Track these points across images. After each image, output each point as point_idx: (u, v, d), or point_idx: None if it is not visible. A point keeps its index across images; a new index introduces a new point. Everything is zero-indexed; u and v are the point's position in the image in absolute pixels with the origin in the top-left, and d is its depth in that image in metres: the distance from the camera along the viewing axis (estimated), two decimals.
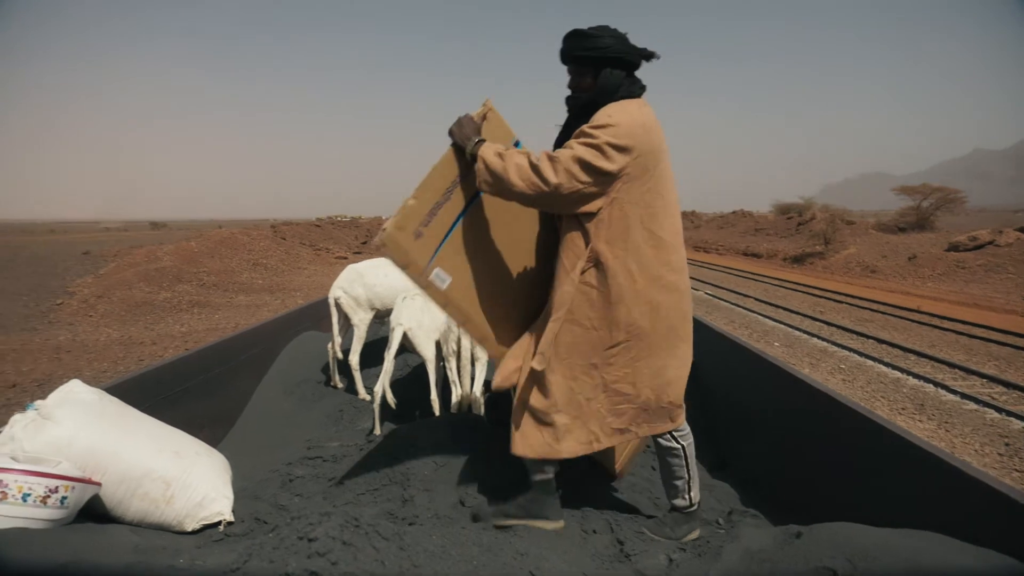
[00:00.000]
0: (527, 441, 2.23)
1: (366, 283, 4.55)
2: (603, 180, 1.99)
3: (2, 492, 1.89)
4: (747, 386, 2.57)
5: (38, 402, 2.26)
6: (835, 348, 9.89)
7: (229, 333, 4.46)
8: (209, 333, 10.61)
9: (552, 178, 1.96)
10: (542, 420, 2.21)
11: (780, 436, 2.94)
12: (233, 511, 2.46)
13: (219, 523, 2.40)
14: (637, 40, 2.10)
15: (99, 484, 2.20)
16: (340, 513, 1.88)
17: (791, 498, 2.64)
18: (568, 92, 2.22)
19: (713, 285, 18.50)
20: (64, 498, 2.01)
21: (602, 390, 2.17)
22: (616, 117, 2.00)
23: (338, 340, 4.59)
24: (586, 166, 1.96)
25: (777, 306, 14.23)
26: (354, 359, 4.46)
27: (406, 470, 2.63)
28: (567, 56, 2.16)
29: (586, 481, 2.68)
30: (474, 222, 2.26)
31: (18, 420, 2.17)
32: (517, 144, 2.34)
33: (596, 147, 1.96)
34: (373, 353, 4.93)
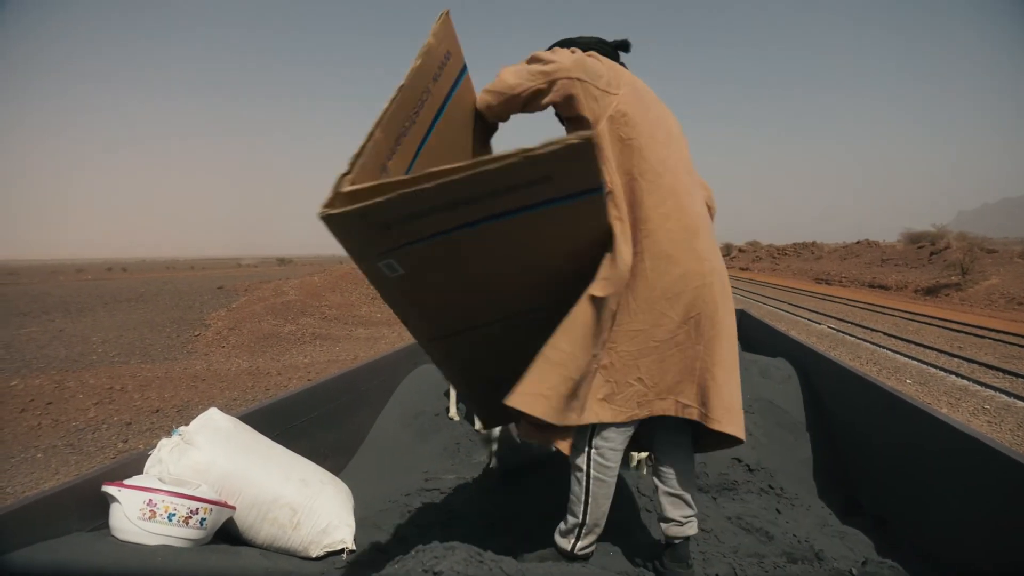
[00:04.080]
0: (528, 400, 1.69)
1: None
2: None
3: (151, 511, 2.02)
4: (877, 425, 2.38)
5: (182, 428, 2.40)
6: (977, 387, 9.01)
7: (350, 365, 4.63)
8: (330, 365, 11.10)
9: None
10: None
11: (918, 481, 2.70)
12: (355, 539, 2.51)
13: (342, 551, 2.45)
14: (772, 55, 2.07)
15: (234, 508, 2.30)
16: (464, 547, 1.89)
17: (932, 548, 2.41)
18: None
19: (836, 319, 17.35)
20: (203, 519, 2.12)
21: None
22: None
23: None
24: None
25: (909, 341, 13.16)
26: None
27: (522, 505, 2.61)
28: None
29: (706, 520, 2.56)
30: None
31: (165, 444, 2.31)
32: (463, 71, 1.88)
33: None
34: None
